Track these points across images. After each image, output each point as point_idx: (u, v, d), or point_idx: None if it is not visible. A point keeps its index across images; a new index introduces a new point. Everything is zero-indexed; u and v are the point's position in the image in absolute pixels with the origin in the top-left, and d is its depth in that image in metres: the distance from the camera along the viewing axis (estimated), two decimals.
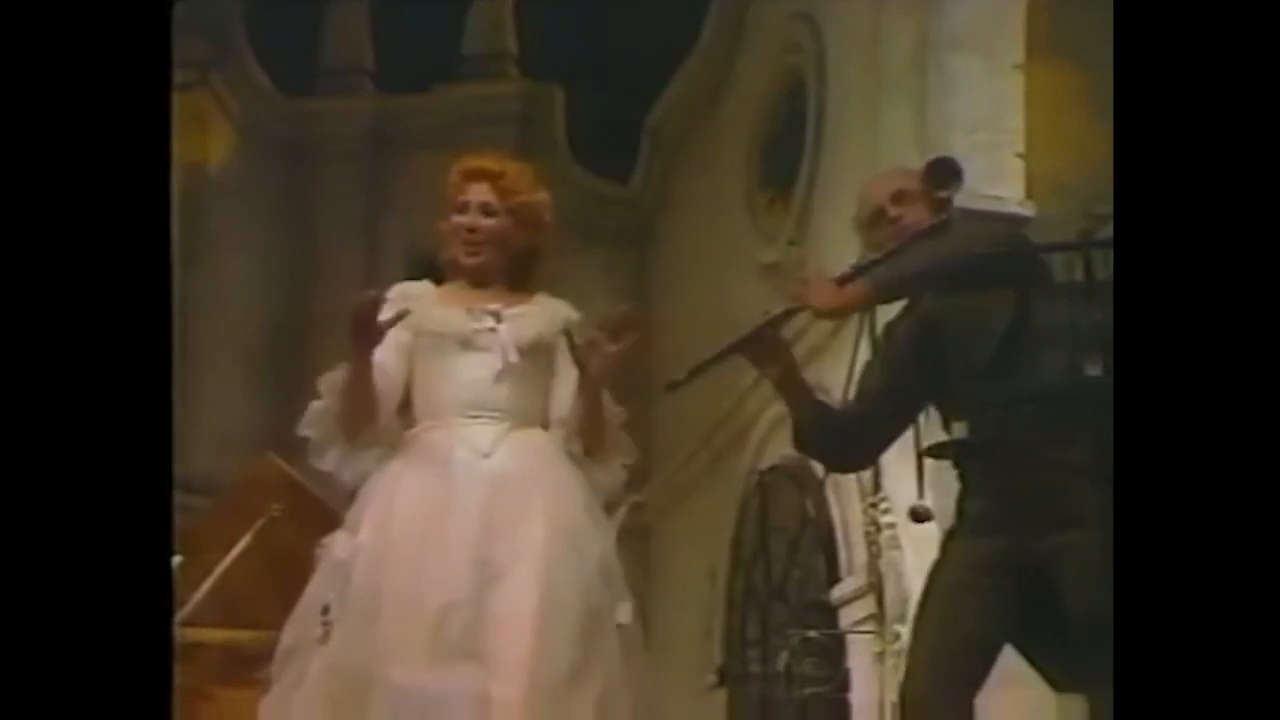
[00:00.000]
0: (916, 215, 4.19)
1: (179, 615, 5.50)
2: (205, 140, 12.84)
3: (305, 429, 4.16)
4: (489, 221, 4.23)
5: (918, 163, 4.50)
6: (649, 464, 13.31)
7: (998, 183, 8.93)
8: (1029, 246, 4.24)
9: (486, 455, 4.08)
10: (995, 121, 9.09)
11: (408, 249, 12.36)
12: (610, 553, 4.09)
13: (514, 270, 4.29)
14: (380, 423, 4.13)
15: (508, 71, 14.08)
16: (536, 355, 4.19)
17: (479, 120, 13.11)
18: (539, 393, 4.20)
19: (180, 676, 5.19)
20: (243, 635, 5.18)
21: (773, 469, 10.68)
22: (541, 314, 4.24)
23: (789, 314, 4.15)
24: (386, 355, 4.11)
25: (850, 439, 4.32)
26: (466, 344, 4.17)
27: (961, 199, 9.02)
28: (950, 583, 4.08)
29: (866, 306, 4.15)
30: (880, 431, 4.32)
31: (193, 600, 5.57)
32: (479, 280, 4.26)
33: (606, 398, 4.17)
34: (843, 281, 4.02)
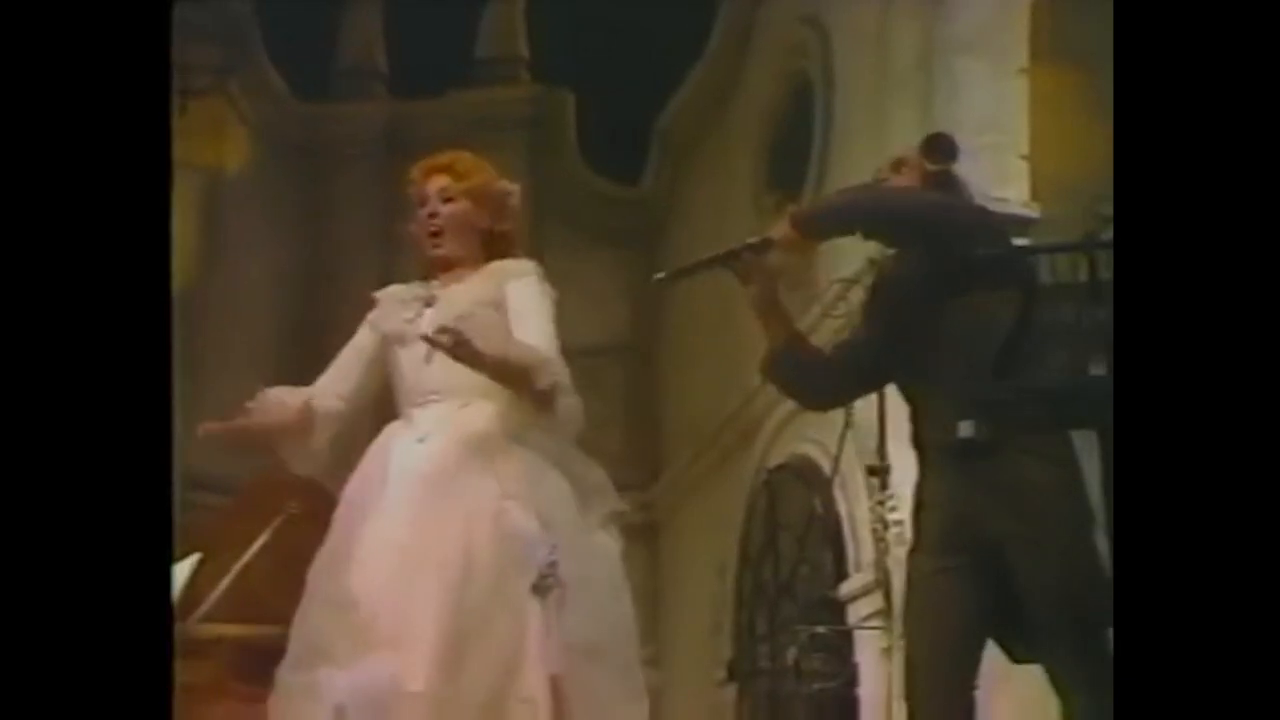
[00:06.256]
0: (901, 181, 4.31)
1: (198, 612, 5.60)
2: (221, 145, 12.82)
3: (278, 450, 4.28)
4: (448, 207, 4.29)
5: None
6: (657, 463, 13.39)
7: (1003, 185, 8.96)
8: (981, 212, 4.34)
9: (421, 440, 4.13)
10: (1000, 124, 9.12)
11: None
12: (538, 524, 4.02)
13: (490, 257, 4.31)
14: (314, 441, 4.25)
15: (519, 75, 14.13)
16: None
17: (491, 124, 13.15)
18: None
19: (198, 671, 5.29)
20: (260, 631, 5.23)
21: (780, 467, 10.72)
22: (481, 281, 4.23)
23: (766, 242, 4.26)
24: (338, 375, 4.31)
25: (817, 375, 4.42)
26: (402, 339, 4.24)
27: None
28: (924, 569, 4.15)
29: (799, 238, 4.22)
30: (848, 376, 4.43)
31: (211, 597, 5.65)
32: (449, 268, 4.30)
33: (519, 355, 4.05)
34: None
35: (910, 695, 4.11)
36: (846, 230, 4.37)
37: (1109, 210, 3.27)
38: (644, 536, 12.63)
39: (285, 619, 4.17)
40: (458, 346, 3.93)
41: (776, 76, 11.69)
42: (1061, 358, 4.13)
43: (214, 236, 12.69)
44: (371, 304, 4.35)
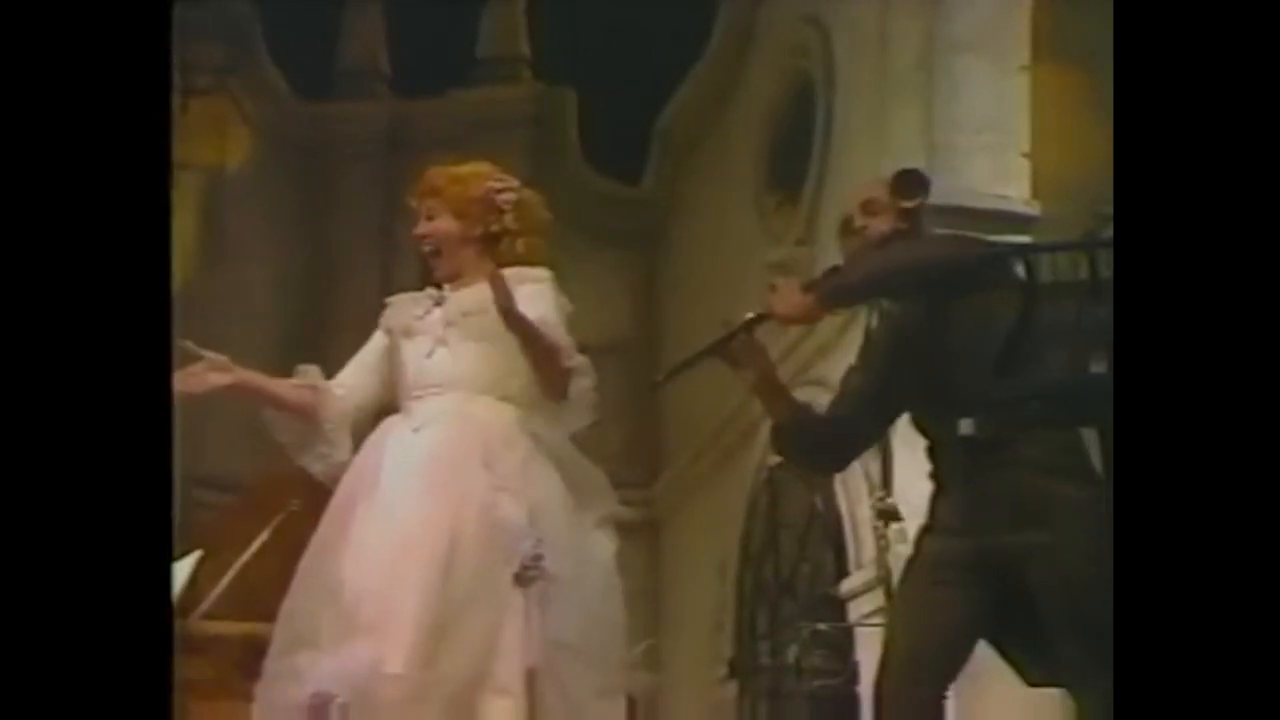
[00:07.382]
0: (881, 225, 4.26)
1: (199, 610, 5.63)
2: (223, 143, 12.86)
3: (278, 435, 4.37)
4: (431, 226, 4.35)
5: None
6: (658, 461, 13.42)
7: (1003, 183, 9.01)
8: (988, 251, 4.32)
9: (416, 430, 4.18)
10: (1001, 123, 9.17)
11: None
12: (528, 517, 4.05)
13: (499, 258, 4.29)
14: (325, 426, 4.31)
15: (521, 75, 14.15)
16: (482, 323, 4.20)
17: (493, 123, 13.18)
18: (495, 359, 4.23)
19: (199, 669, 5.31)
20: (262, 628, 5.26)
21: (781, 465, 10.72)
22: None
23: (760, 319, 4.21)
24: (348, 370, 4.40)
25: (827, 441, 4.38)
26: (409, 332, 4.32)
27: (967, 199, 9.06)
28: (922, 579, 4.13)
29: (822, 314, 4.22)
30: (857, 434, 4.39)
31: (212, 595, 5.68)
32: (458, 277, 4.34)
33: (548, 331, 4.14)
34: (809, 289, 4.10)
35: (879, 695, 4.10)
36: (871, 300, 4.33)
37: (1109, 209, 3.26)
38: (645, 535, 12.67)
39: None
40: (506, 301, 4.02)
41: (777, 76, 11.71)
42: (1062, 356, 4.07)
43: (214, 236, 12.71)
44: (373, 303, 4.39)
